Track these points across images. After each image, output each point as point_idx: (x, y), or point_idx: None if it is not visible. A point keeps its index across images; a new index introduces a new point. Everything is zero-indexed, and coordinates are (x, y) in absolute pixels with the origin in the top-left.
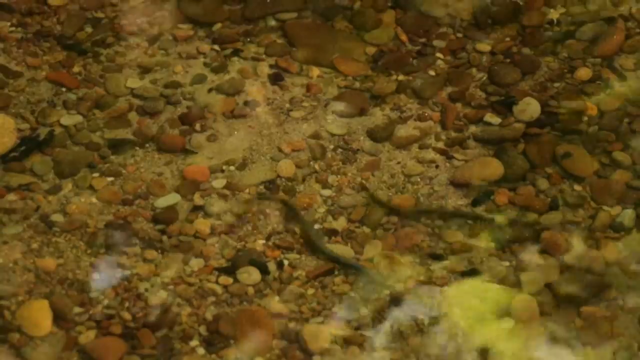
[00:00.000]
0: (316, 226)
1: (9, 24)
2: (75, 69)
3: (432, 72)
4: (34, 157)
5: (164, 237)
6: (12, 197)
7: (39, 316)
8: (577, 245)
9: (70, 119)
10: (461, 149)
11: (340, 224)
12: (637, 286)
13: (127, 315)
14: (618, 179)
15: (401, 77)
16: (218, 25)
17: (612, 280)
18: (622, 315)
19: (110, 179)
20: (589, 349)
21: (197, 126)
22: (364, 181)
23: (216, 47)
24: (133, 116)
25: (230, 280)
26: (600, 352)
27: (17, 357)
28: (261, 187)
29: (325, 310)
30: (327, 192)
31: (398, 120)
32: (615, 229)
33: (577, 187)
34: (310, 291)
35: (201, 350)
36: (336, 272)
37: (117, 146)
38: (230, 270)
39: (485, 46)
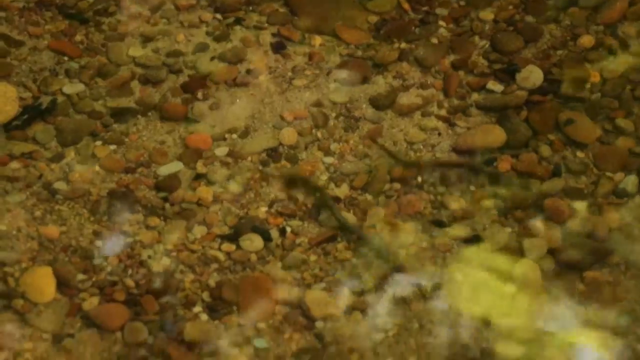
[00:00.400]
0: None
1: None
2: (78, 37)
3: (434, 40)
4: (37, 126)
5: (167, 205)
6: (15, 165)
7: (42, 283)
8: (580, 212)
9: (72, 88)
10: (464, 117)
11: (343, 191)
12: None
13: (130, 282)
14: (621, 146)
15: (404, 45)
16: None
17: (614, 246)
18: (625, 280)
19: (112, 147)
20: (591, 313)
21: (200, 94)
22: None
23: (218, 15)
24: (135, 85)
25: (233, 247)
26: (603, 316)
27: (21, 323)
28: (263, 154)
29: (327, 277)
30: (329, 160)
31: (400, 88)
32: (618, 195)
33: (580, 154)
34: (313, 258)
35: (204, 317)
36: (338, 239)
37: (119, 114)
38: (232, 237)
39: (488, 14)
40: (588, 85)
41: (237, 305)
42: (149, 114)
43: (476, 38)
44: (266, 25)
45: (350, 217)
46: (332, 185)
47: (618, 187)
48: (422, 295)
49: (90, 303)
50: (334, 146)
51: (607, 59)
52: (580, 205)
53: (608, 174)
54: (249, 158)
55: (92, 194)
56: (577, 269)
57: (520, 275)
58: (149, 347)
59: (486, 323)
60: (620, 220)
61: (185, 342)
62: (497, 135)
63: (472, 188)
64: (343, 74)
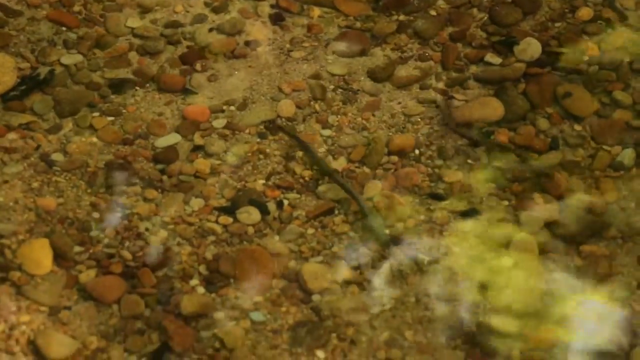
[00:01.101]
0: (316, 166)
1: None
2: (76, 8)
3: (433, 12)
4: (34, 96)
5: (164, 177)
6: (12, 136)
7: (39, 255)
8: (577, 185)
9: (70, 58)
10: (462, 89)
11: (340, 163)
12: (637, 225)
13: (127, 255)
14: (618, 119)
15: (402, 17)
16: None
17: (611, 220)
18: (621, 254)
19: (110, 118)
20: (588, 287)
21: (198, 66)
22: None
23: None
24: (133, 56)
25: (230, 219)
26: (599, 290)
27: (18, 295)
28: (261, 127)
29: (324, 250)
30: (327, 132)
31: (399, 60)
32: (615, 168)
33: (577, 127)
34: (310, 231)
35: (201, 290)
36: (336, 212)
37: (117, 86)
38: (230, 210)
39: None
40: (586, 58)
41: (234, 278)
42: (147, 85)
43: (474, 10)
44: None
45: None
46: (329, 157)
47: (615, 160)
48: (419, 268)
49: (87, 275)
50: (332, 118)
51: (605, 31)
52: (578, 178)
53: (605, 147)
54: (247, 130)
55: (89, 166)
56: (574, 242)
57: (517, 248)
58: (146, 320)
59: (483, 297)
60: (617, 194)
61: (182, 315)
62: (494, 108)
63: (470, 161)
64: (341, 45)
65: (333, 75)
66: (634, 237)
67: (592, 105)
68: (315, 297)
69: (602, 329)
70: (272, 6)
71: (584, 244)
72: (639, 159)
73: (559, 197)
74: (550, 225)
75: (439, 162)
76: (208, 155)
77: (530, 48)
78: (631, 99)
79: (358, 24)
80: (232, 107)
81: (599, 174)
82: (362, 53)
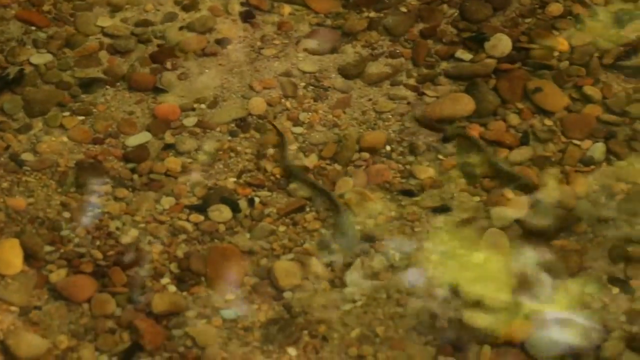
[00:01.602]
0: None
1: None
2: (45, 7)
3: (403, 9)
4: (4, 96)
5: (135, 176)
6: None
7: (9, 255)
8: (548, 180)
9: (40, 58)
10: (432, 85)
11: (312, 160)
12: (607, 219)
13: (98, 254)
14: (588, 113)
15: (372, 14)
16: None
17: (582, 214)
18: (592, 248)
19: (80, 117)
20: (559, 281)
21: (168, 64)
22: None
23: None
24: (103, 55)
25: (202, 218)
26: (570, 284)
27: None
28: (232, 125)
29: (296, 247)
30: (298, 130)
31: (369, 57)
32: (585, 163)
33: (548, 122)
34: (282, 228)
35: (172, 288)
36: (307, 209)
37: (87, 85)
38: (201, 208)
39: None
40: (556, 54)
41: (205, 277)
42: (118, 84)
43: (445, 7)
44: None
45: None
46: (301, 154)
47: (586, 154)
48: (391, 265)
49: (58, 275)
50: (303, 116)
51: (575, 26)
52: (548, 173)
53: (576, 141)
54: (218, 128)
55: (60, 165)
56: (544, 237)
57: (488, 244)
58: (117, 319)
59: (454, 292)
60: (588, 188)
61: (153, 313)
62: (465, 104)
63: (441, 157)
64: (312, 43)
65: (304, 72)
66: (604, 231)
67: (563, 100)
68: (287, 295)
69: (573, 324)
70: (242, 4)
71: (554, 239)
72: (610, 153)
73: (530, 192)
74: (520, 221)
75: (410, 158)
76: (179, 153)
77: (501, 44)
78: (601, 93)
79: (329, 21)
80: (203, 106)
81: (569, 168)
82: (333, 50)
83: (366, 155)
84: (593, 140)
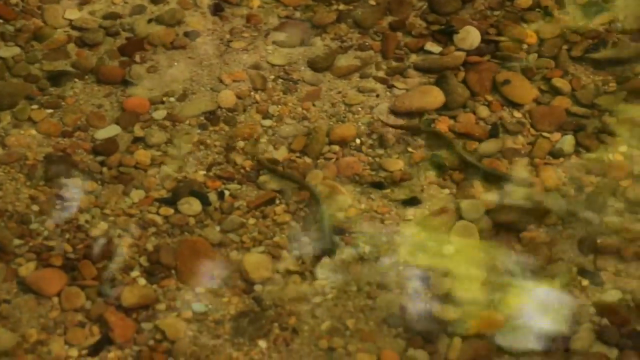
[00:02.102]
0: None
1: None
2: (13, 0)
3: (372, 2)
4: None
5: (104, 169)
6: None
7: None
8: (517, 172)
9: (8, 51)
10: (402, 78)
11: (282, 153)
12: (576, 211)
13: (67, 247)
14: (557, 106)
15: (342, 7)
16: None
17: (551, 206)
18: (561, 240)
19: (49, 111)
20: (528, 273)
21: (137, 57)
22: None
23: None
24: (72, 48)
25: (171, 211)
26: (540, 276)
27: None
28: (202, 118)
29: (266, 240)
30: (267, 123)
31: (339, 50)
32: (554, 155)
33: (517, 114)
34: (252, 221)
35: (142, 281)
36: (277, 202)
37: (56, 78)
38: (171, 201)
39: None
40: (525, 46)
41: (175, 270)
42: (86, 77)
43: None
44: None
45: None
46: (270, 147)
47: (555, 147)
48: (361, 257)
49: (27, 268)
50: (272, 109)
51: (544, 19)
52: (518, 165)
53: (545, 134)
54: (187, 121)
55: (28, 159)
56: (514, 229)
57: (458, 236)
58: (87, 313)
59: (424, 284)
60: (557, 181)
61: (123, 307)
62: (435, 96)
63: (411, 150)
64: (281, 36)
65: (273, 65)
66: (573, 223)
67: (532, 92)
68: (257, 287)
69: (542, 315)
70: None
71: (524, 231)
72: (579, 145)
73: (499, 185)
74: (490, 213)
75: (380, 151)
76: (148, 146)
77: (470, 36)
78: (570, 86)
79: (298, 14)
80: (172, 99)
81: (538, 161)
82: (302, 43)
83: (336, 148)
84: (562, 132)
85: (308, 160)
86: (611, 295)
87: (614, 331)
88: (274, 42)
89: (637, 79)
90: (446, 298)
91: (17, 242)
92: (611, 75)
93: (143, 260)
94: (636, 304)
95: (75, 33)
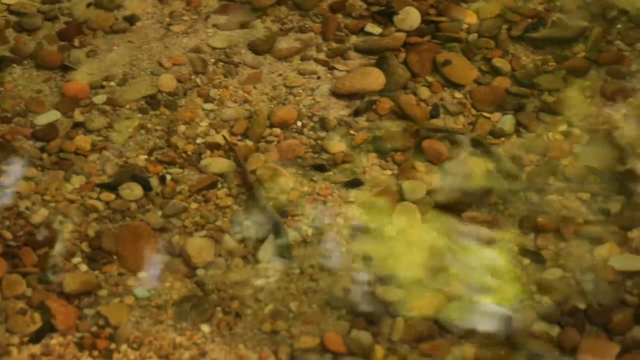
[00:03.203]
0: (199, 140)
1: None
2: None
3: None
4: None
5: (44, 155)
6: None
7: None
8: (459, 152)
9: None
10: (342, 60)
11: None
12: (517, 190)
13: (7, 234)
14: (498, 86)
15: None
16: None
17: (492, 186)
18: (503, 219)
19: None
20: (470, 253)
21: (76, 42)
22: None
23: None
24: (10, 33)
25: (113, 196)
26: (482, 256)
27: None
28: (142, 102)
29: (208, 224)
30: (209, 106)
31: (279, 32)
32: (495, 135)
33: (458, 95)
34: (194, 205)
35: (84, 267)
36: (219, 186)
37: None
38: (112, 186)
39: None
40: (465, 26)
41: (117, 255)
42: (25, 62)
43: None
44: None
45: (229, 164)
46: (212, 131)
47: (495, 127)
48: (304, 240)
49: None
50: (213, 92)
51: None
52: (459, 146)
53: (485, 114)
54: (128, 106)
55: None
56: (456, 209)
57: (400, 217)
58: (28, 300)
59: (367, 266)
60: (498, 160)
61: (64, 293)
62: (375, 77)
63: (352, 132)
64: (221, 19)
65: (214, 48)
66: (514, 202)
67: (472, 73)
68: (200, 272)
69: (485, 295)
70: None
71: (466, 211)
72: (519, 125)
73: (441, 165)
74: (432, 193)
75: (321, 133)
76: (88, 131)
77: (410, 17)
78: (510, 66)
79: None
80: (112, 83)
81: (478, 138)
82: (243, 26)
83: (277, 130)
84: (502, 112)
85: (249, 143)
86: (552, 274)
87: (555, 309)
88: (214, 25)
89: (576, 58)
90: (389, 279)
91: None
92: (550, 55)
93: (84, 246)
94: (576, 281)
95: (13, 18)
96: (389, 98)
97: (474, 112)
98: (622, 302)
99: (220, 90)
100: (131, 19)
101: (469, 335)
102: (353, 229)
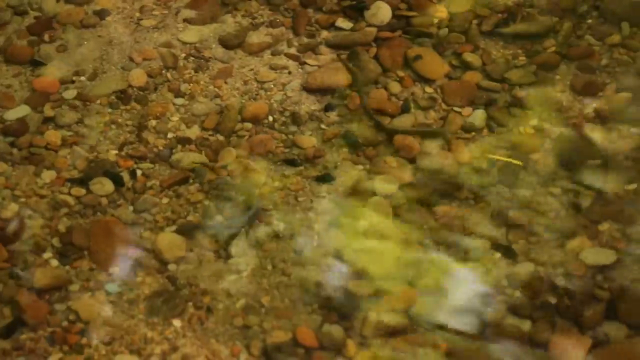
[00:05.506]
0: (170, 135)
1: None
2: None
3: None
4: None
5: (14, 150)
6: None
7: None
8: (430, 147)
9: None
10: (313, 55)
11: (194, 132)
12: (488, 185)
13: None
14: (468, 80)
15: None
16: None
17: (464, 180)
18: (474, 214)
19: None
20: (441, 247)
21: (46, 37)
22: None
23: None
24: None
25: (83, 191)
26: (453, 250)
27: None
28: (113, 97)
29: (180, 219)
30: (180, 101)
31: (250, 27)
32: (466, 130)
33: (429, 89)
34: (165, 200)
35: (54, 262)
36: (191, 181)
37: None
38: (83, 181)
39: None
40: (435, 21)
41: (88, 250)
42: None
43: None
44: None
45: (201, 158)
46: (183, 126)
47: (466, 121)
48: (275, 235)
49: None
50: (184, 87)
51: None
52: (430, 141)
53: (456, 108)
54: (98, 101)
55: None
56: (428, 204)
57: (371, 212)
58: None
59: (339, 261)
60: (469, 154)
61: (35, 288)
62: (346, 73)
63: (324, 127)
64: (192, 13)
65: (184, 43)
66: (486, 197)
67: (443, 67)
68: (171, 267)
69: (456, 289)
70: None
71: (437, 205)
72: (490, 120)
73: (412, 160)
74: (403, 188)
75: (292, 128)
76: (59, 126)
77: (381, 12)
78: (480, 60)
79: None
80: (83, 78)
81: (450, 135)
82: (213, 20)
83: (249, 125)
84: (473, 107)
85: (221, 138)
86: (523, 268)
87: (526, 303)
88: (184, 20)
89: (547, 53)
90: (361, 274)
91: None
92: (521, 50)
93: (55, 241)
94: (548, 275)
95: None
96: (359, 98)
97: (444, 106)
98: (593, 296)
99: (191, 85)
100: (101, 14)
101: (441, 329)
102: (325, 224)
